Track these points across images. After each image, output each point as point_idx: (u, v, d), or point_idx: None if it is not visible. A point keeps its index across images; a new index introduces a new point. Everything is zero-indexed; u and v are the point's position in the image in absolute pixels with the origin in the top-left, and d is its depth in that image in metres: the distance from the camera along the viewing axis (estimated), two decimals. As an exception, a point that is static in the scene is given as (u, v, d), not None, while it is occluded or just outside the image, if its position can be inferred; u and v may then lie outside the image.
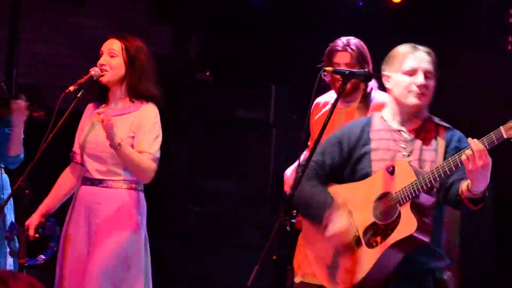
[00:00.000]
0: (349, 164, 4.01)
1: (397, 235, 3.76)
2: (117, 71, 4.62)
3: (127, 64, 4.62)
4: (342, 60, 4.95)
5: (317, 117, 5.07)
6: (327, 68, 4.18)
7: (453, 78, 6.26)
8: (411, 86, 3.91)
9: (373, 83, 5.00)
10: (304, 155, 5.02)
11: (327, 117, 3.90)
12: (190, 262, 7.12)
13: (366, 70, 4.46)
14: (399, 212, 3.78)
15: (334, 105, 3.96)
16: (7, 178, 5.37)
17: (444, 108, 4.20)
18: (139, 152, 4.54)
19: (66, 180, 4.76)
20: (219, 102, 7.19)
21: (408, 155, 3.94)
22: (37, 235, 4.58)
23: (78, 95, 4.53)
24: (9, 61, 5.76)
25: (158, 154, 4.58)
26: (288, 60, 6.92)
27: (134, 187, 4.61)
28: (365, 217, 3.87)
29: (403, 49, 3.98)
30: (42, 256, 4.69)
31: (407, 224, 3.75)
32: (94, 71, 4.61)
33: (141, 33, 4.98)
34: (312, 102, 4.89)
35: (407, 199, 3.77)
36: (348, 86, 4.42)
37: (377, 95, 4.99)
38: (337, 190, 4.00)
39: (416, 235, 3.74)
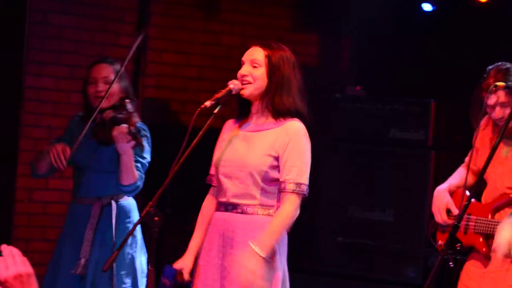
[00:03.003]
0: None
1: None
2: (261, 83, 4.17)
3: (268, 75, 4.17)
4: None
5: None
6: (498, 83, 3.95)
7: None
8: None
9: None
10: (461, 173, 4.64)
11: (494, 144, 3.69)
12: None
13: None
14: None
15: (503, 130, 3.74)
16: (135, 203, 4.97)
17: None
18: (283, 181, 4.12)
19: (209, 209, 4.31)
20: (372, 121, 6.73)
21: None
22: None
23: (215, 111, 4.10)
24: (136, 72, 5.28)
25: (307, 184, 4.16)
26: (452, 74, 6.55)
27: (273, 213, 4.15)
28: None
29: None
30: None
31: None
32: (233, 84, 4.17)
33: (283, 42, 4.48)
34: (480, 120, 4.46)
35: None
36: None
37: None
38: None
39: None
